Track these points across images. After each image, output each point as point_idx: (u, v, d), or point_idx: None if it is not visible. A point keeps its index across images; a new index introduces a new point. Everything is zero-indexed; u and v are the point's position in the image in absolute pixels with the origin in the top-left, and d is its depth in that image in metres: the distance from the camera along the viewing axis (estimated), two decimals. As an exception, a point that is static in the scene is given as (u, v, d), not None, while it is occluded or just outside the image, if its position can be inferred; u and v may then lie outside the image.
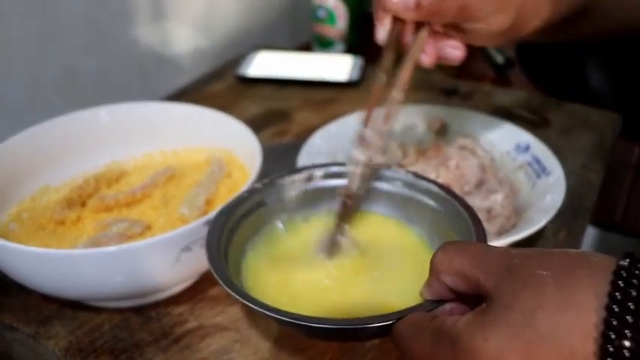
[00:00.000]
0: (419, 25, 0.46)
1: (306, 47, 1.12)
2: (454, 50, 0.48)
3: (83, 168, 0.62)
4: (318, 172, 0.46)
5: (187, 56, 0.96)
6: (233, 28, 1.04)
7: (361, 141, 0.42)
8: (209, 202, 0.56)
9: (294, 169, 0.46)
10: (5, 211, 0.56)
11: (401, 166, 0.61)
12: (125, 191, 0.57)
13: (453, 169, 0.59)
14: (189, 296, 0.54)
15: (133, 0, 0.83)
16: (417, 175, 0.44)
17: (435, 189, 0.43)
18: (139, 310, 0.52)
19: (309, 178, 0.46)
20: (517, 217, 0.57)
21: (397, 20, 0.46)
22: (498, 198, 0.57)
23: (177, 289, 0.53)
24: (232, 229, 0.42)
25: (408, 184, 0.45)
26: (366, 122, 0.43)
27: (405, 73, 0.44)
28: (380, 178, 0.46)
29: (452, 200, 0.42)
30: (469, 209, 0.40)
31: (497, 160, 0.65)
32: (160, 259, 0.46)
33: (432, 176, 0.59)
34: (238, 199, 0.43)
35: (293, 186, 0.46)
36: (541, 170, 0.61)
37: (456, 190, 0.58)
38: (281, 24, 1.18)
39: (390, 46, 0.46)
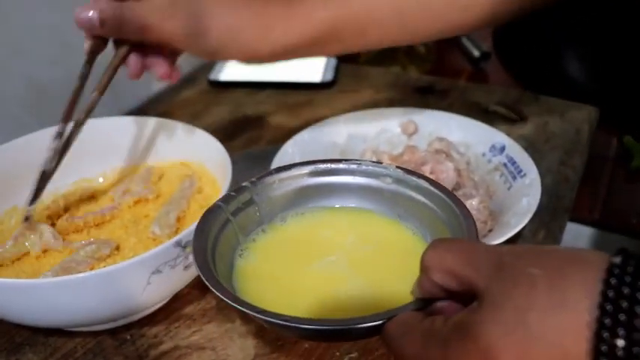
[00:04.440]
0: (121, 42, 0.54)
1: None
2: (158, 68, 0.56)
3: (52, 187, 0.61)
4: (306, 169, 0.45)
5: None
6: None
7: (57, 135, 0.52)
8: (180, 220, 0.55)
9: (281, 168, 0.45)
10: (-29, 235, 0.54)
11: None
12: (94, 212, 0.56)
13: (428, 173, 0.58)
14: (164, 315, 0.53)
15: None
16: (406, 171, 0.44)
17: (425, 184, 0.42)
18: (113, 332, 0.51)
19: (298, 176, 0.45)
20: (493, 222, 0.57)
21: (96, 37, 0.53)
22: (474, 203, 0.56)
23: (152, 309, 0.52)
24: (220, 232, 0.40)
25: (398, 180, 0.44)
26: (65, 117, 0.52)
27: (104, 79, 0.54)
28: (369, 174, 0.45)
29: (442, 195, 0.41)
30: (459, 203, 0.40)
31: (472, 163, 0.64)
32: (131, 282, 0.45)
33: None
34: (224, 198, 0.42)
35: (281, 184, 0.45)
36: (517, 172, 0.60)
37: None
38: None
39: (90, 58, 0.54)
